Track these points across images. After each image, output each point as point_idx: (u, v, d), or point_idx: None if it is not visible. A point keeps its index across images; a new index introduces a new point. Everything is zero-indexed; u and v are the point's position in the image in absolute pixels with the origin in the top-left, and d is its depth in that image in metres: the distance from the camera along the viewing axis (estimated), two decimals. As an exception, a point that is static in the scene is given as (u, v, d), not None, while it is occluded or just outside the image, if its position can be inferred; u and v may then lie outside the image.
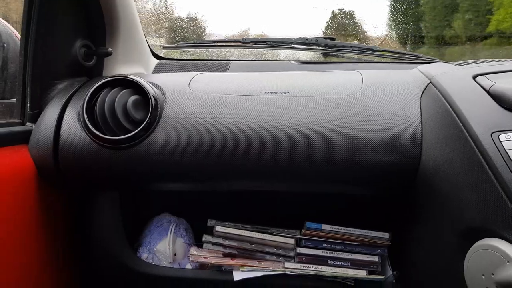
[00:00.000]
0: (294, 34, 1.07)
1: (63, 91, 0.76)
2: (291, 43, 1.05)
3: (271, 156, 0.65)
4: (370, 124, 0.64)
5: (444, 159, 0.59)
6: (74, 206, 0.80)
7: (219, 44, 1.16)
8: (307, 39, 1.03)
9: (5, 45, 0.81)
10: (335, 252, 0.76)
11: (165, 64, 1.06)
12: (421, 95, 0.68)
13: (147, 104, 0.69)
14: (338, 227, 0.76)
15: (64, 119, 0.70)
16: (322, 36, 1.04)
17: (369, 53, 1.03)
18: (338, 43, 1.03)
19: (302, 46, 1.05)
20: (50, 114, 0.70)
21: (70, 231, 0.80)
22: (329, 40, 1.03)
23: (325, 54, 1.09)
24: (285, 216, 0.80)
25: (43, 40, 0.72)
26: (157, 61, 1.06)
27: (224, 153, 0.65)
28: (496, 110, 0.56)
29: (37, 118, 0.72)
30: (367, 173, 0.65)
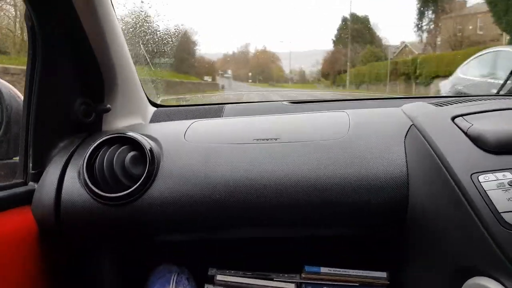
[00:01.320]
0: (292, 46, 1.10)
1: (64, 149, 0.78)
2: None
3: (264, 204, 0.67)
4: (357, 167, 0.66)
5: (430, 199, 0.61)
6: (75, 263, 0.80)
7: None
8: None
9: (8, 106, 0.84)
10: (336, 295, 0.77)
11: (162, 111, 1.09)
12: (405, 136, 0.71)
13: (145, 158, 0.71)
14: (336, 269, 0.77)
15: (66, 178, 0.72)
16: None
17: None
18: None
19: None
20: (51, 174, 0.73)
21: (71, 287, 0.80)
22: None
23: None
24: (284, 259, 0.81)
25: (45, 100, 0.75)
26: (154, 109, 1.10)
27: (220, 204, 0.67)
28: (474, 151, 0.58)
29: (39, 177, 0.74)
30: (357, 214, 0.66)
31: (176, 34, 1.40)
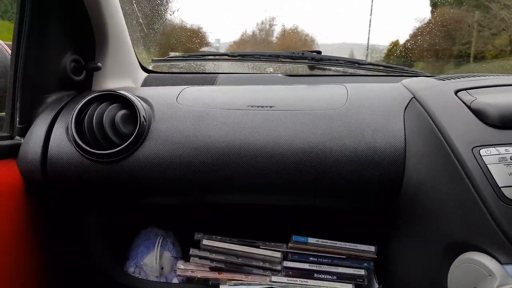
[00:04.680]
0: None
1: (52, 105, 0.76)
2: (278, 56, 1.07)
3: (256, 169, 0.65)
4: (354, 138, 0.65)
5: (428, 173, 0.60)
6: (61, 220, 0.79)
7: (207, 57, 1.18)
8: (293, 52, 1.05)
9: (-5, 59, 0.82)
10: (322, 266, 0.77)
11: (154, 77, 1.07)
12: (405, 109, 0.69)
13: (135, 119, 0.70)
14: (324, 240, 0.77)
15: (53, 133, 0.70)
16: (309, 50, 1.06)
17: (355, 66, 1.05)
18: (325, 56, 1.04)
19: (289, 60, 1.07)
20: (39, 128, 0.71)
21: (57, 245, 0.79)
22: (315, 53, 1.04)
23: (311, 68, 1.10)
24: (272, 229, 0.81)
25: (33, 54, 0.73)
26: (146, 74, 1.07)
27: (210, 167, 0.66)
28: (476, 125, 0.57)
29: (26, 132, 0.72)
30: (350, 186, 0.65)
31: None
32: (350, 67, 1.06)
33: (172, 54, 1.39)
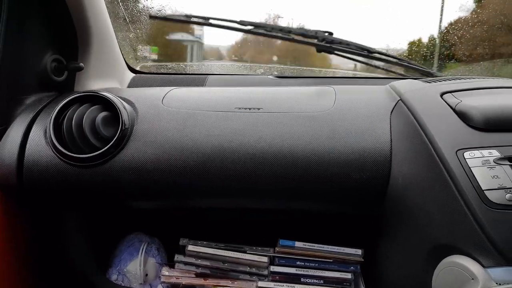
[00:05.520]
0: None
1: (31, 106, 0.74)
2: (290, 31, 0.99)
3: (239, 173, 0.64)
4: (340, 140, 0.65)
5: (412, 176, 0.60)
6: (39, 225, 0.77)
7: (212, 22, 1.03)
8: (306, 30, 0.99)
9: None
10: (309, 270, 0.76)
11: (141, 78, 1.04)
12: (391, 112, 0.69)
13: (118, 121, 0.68)
14: (311, 244, 0.76)
15: (30, 136, 0.68)
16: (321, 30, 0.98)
17: (364, 53, 0.99)
18: (336, 39, 0.98)
19: (300, 37, 1.01)
20: (15, 131, 0.68)
21: (35, 251, 0.76)
22: (327, 34, 0.98)
23: (319, 50, 1.02)
24: (258, 233, 0.80)
25: (10, 53, 0.70)
26: (133, 75, 1.05)
27: (195, 170, 0.65)
28: (461, 127, 0.57)
29: (2, 135, 0.69)
30: (336, 189, 0.65)
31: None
32: (360, 53, 0.99)
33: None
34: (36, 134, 0.68)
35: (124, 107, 0.70)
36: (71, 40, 0.82)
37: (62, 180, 0.65)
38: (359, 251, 0.77)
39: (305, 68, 1.58)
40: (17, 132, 0.68)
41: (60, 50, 0.81)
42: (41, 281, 0.78)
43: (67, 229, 0.76)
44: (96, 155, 0.65)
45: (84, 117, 0.67)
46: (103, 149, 0.65)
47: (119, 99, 0.71)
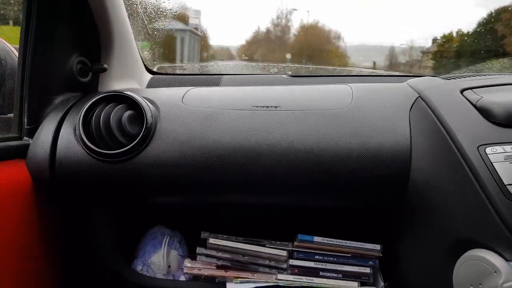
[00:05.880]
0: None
1: (60, 106, 0.77)
2: None
3: (260, 169, 0.66)
4: (359, 138, 0.65)
5: (433, 172, 0.60)
6: (70, 219, 0.80)
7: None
8: None
9: (2, 61, 0.83)
10: (327, 264, 0.77)
11: (158, 79, 1.07)
12: (410, 109, 0.69)
13: (142, 119, 0.70)
14: (330, 239, 0.77)
15: (61, 133, 0.71)
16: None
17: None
18: None
19: None
20: (47, 129, 0.72)
21: (66, 244, 0.80)
22: None
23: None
24: (278, 228, 0.81)
25: (40, 56, 0.74)
26: (150, 76, 1.08)
27: (216, 166, 0.67)
28: (482, 123, 0.58)
29: (34, 133, 0.73)
30: (357, 185, 0.66)
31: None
32: None
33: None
34: (66, 131, 0.71)
35: (148, 106, 0.72)
36: (94, 43, 0.86)
37: (91, 175, 0.68)
38: (377, 246, 0.77)
39: (319, 66, 1.58)
40: (49, 130, 0.71)
41: (84, 52, 0.84)
42: (70, 271, 0.82)
43: (96, 223, 0.79)
44: (123, 151, 0.67)
45: (111, 115, 0.70)
46: (129, 146, 0.68)
47: (142, 98, 0.74)
